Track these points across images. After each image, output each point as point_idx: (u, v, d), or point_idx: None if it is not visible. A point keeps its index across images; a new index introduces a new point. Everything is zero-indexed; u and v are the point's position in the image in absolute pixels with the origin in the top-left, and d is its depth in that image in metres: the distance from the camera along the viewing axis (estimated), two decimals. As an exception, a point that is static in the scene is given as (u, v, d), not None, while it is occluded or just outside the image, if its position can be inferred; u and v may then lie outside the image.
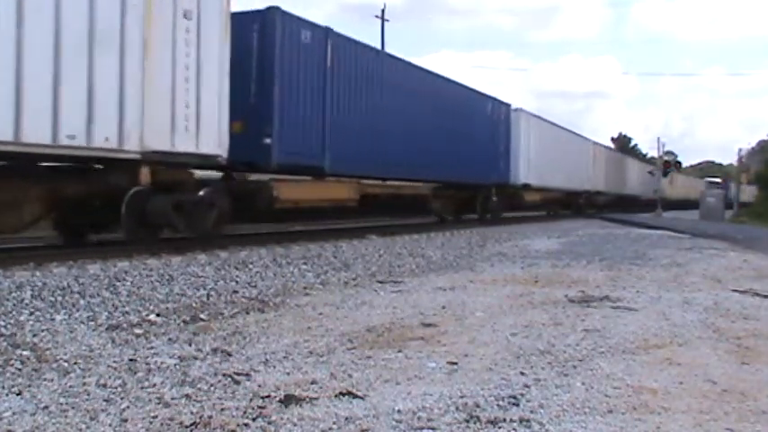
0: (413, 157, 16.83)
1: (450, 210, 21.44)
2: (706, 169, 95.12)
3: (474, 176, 21.05)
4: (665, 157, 40.72)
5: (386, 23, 40.22)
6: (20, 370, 3.82)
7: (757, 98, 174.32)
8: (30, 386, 3.52)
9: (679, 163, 45.91)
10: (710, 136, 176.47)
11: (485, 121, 21.95)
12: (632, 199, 45.36)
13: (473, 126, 20.83)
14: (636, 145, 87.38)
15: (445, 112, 18.81)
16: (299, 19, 12.81)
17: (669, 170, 41.25)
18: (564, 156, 29.37)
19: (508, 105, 24.09)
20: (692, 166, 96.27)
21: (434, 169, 18.14)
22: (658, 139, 55.84)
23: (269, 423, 3.07)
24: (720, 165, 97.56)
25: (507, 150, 23.65)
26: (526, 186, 25.13)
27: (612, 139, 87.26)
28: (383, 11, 39.86)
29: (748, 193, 45.20)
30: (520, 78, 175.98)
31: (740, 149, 48.10)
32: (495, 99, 22.91)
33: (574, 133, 33.12)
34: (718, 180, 53.03)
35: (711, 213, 29.48)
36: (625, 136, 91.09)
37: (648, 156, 64.46)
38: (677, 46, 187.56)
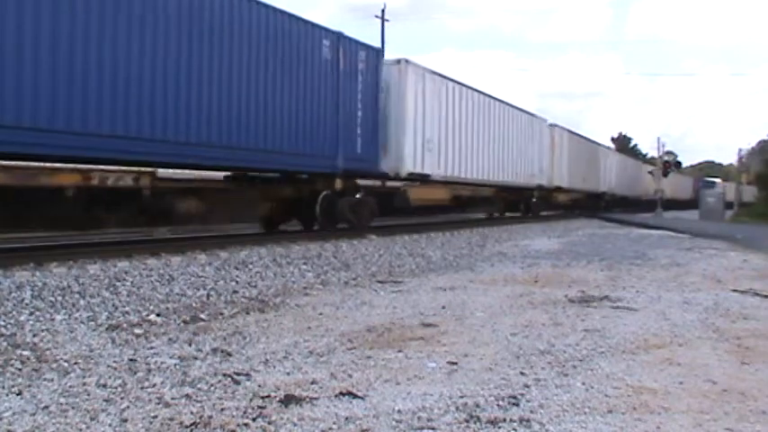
0: (100, 112, 8.85)
1: (242, 212, 12.95)
2: (706, 169, 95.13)
3: (291, 160, 12.45)
4: (666, 157, 40.69)
5: (387, 24, 40.26)
6: (20, 370, 3.82)
7: (757, 98, 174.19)
8: (30, 386, 3.52)
9: (679, 163, 45.85)
10: (710, 136, 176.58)
11: (320, 68, 13.04)
12: (610, 198, 38.51)
13: (290, 75, 12.30)
14: (636, 145, 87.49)
15: (205, 41, 10.39)
16: None
17: (669, 170, 41.06)
18: (499, 138, 21.51)
19: (377, 51, 15.33)
20: (692, 166, 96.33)
21: (166, 142, 9.86)
22: (658, 138, 55.75)
23: (269, 423, 3.07)
24: (720, 165, 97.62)
25: (375, 121, 14.70)
26: (423, 178, 16.85)
27: (612, 138, 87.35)
28: (383, 11, 39.90)
29: (741, 193, 44.94)
30: (521, 78, 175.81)
31: (740, 149, 48.16)
32: (345, 37, 13.90)
33: (517, 108, 23.91)
34: (717, 180, 52.96)
35: (711, 213, 29.47)
36: (625, 136, 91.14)
37: (648, 156, 64.45)
38: (678, 46, 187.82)
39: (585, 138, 35.37)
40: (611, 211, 36.91)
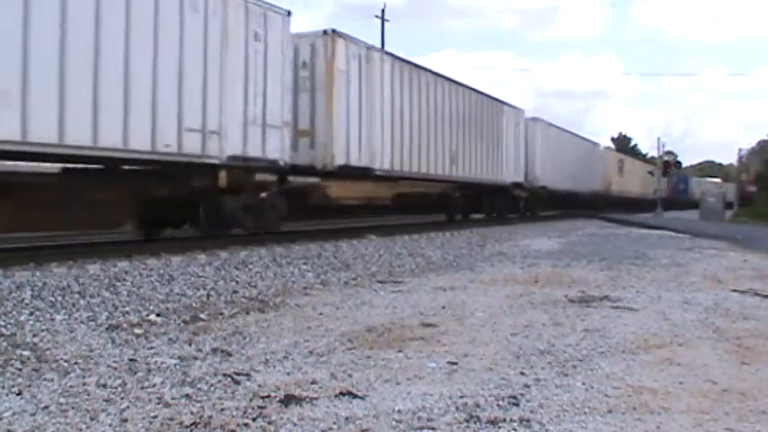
0: None
1: None
2: (706, 169, 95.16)
3: None
4: (666, 157, 40.72)
5: (387, 24, 40.15)
6: (20, 370, 3.82)
7: (757, 98, 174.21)
8: (30, 386, 3.52)
9: (679, 163, 45.85)
10: (711, 136, 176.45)
11: None
12: (532, 193, 26.03)
13: None
14: (636, 145, 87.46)
15: None
16: None
17: (670, 170, 40.79)
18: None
19: None
20: (692, 166, 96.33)
21: None
22: (658, 139, 55.51)
23: (269, 423, 3.06)
24: (720, 165, 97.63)
25: None
26: None
27: (612, 138, 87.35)
28: (383, 11, 39.81)
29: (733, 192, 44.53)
30: (521, 78, 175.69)
31: (740, 149, 48.12)
32: None
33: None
34: (716, 180, 52.80)
35: (711, 213, 29.48)
36: (625, 136, 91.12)
37: (649, 156, 64.39)
38: (678, 46, 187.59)
39: (456, 81, 19.74)
40: (534, 212, 25.78)
